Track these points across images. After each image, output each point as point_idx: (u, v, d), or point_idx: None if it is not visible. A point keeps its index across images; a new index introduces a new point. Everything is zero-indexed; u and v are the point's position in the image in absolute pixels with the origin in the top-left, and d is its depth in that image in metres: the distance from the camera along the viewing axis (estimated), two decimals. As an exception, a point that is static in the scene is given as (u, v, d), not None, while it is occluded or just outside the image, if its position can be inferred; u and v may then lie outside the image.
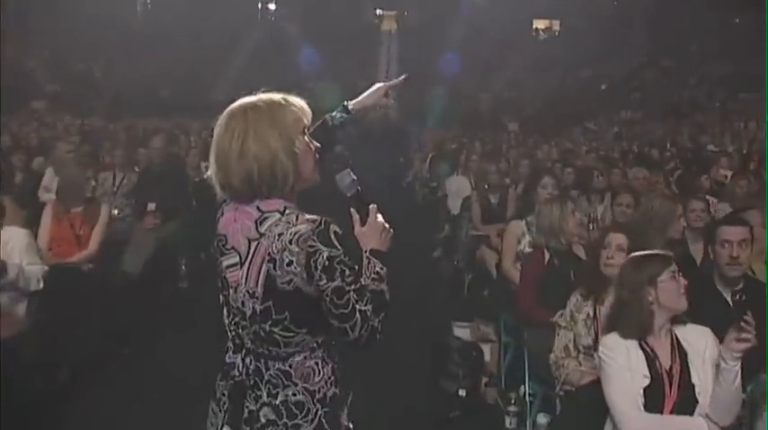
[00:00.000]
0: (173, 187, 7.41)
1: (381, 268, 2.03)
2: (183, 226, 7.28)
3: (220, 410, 2.07)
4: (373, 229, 2.10)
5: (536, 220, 4.56)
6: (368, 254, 2.06)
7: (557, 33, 37.27)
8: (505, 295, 5.12)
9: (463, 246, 7.65)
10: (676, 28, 30.93)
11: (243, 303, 2.00)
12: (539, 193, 5.11)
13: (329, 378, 2.03)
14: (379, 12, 36.10)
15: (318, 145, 2.09)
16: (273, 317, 1.96)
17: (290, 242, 1.89)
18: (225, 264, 2.03)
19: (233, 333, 2.07)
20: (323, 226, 1.90)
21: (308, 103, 2.11)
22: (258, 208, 1.98)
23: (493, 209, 7.40)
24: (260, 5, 35.56)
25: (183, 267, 7.40)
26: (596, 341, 3.42)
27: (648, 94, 29.42)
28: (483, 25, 32.70)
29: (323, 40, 30.73)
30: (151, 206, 6.98)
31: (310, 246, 1.87)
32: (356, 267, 1.94)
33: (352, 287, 1.89)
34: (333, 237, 1.90)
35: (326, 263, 1.87)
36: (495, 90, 31.92)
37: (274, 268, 1.91)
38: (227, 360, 2.09)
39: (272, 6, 35.76)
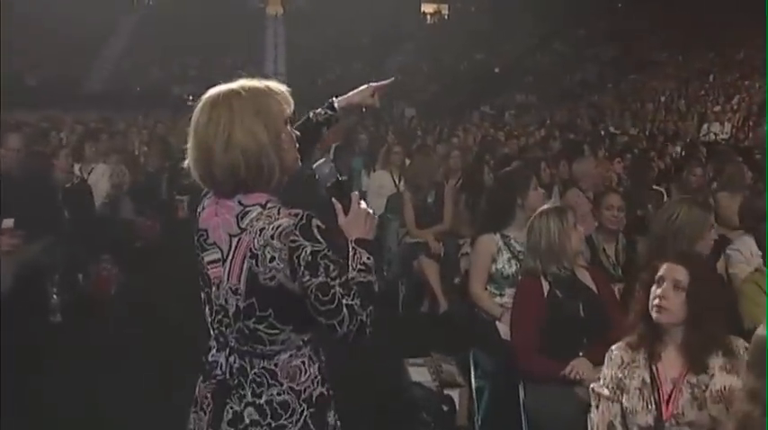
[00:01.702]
0: (37, 197, 5.91)
1: (368, 258, 1.95)
2: (52, 245, 5.83)
3: (205, 413, 2.01)
4: (357, 218, 2.02)
5: (528, 239, 3.47)
6: (353, 244, 1.97)
7: (446, 17, 37.00)
8: (476, 325, 4.08)
9: (394, 255, 6.55)
10: (564, 11, 31.08)
11: (226, 300, 1.95)
12: (530, 198, 4.03)
13: (315, 377, 1.98)
14: (263, -5, 34.60)
15: (298, 133, 2.03)
16: (257, 314, 1.91)
17: (272, 237, 1.85)
18: (206, 259, 1.99)
19: (216, 331, 2.02)
20: (305, 220, 1.85)
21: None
22: (240, 202, 1.94)
23: (429, 209, 6.32)
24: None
25: (55, 296, 5.94)
26: (660, 419, 2.42)
27: (541, 76, 29.38)
28: (370, 10, 31.94)
29: (205, 25, 29.11)
30: (8, 222, 5.47)
31: (293, 241, 1.83)
32: (341, 260, 1.88)
33: (338, 281, 1.83)
34: (315, 231, 1.85)
35: (309, 258, 1.82)
36: (387, 75, 31.17)
37: (256, 264, 1.87)
38: (210, 358, 2.04)
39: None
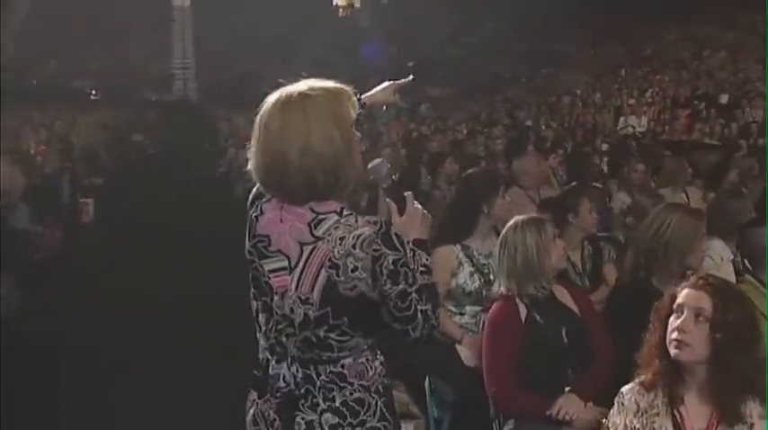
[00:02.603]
0: None
1: (427, 259, 1.98)
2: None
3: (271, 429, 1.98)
4: (413, 218, 2.05)
5: (501, 255, 2.99)
6: (412, 245, 1.97)
7: (358, 10, 36.51)
8: (432, 348, 3.59)
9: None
10: (475, 4, 31.12)
11: (292, 310, 1.91)
12: (496, 205, 3.55)
13: (380, 371, 2.00)
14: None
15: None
16: (330, 322, 1.89)
17: (354, 247, 1.82)
18: (268, 267, 1.93)
19: (273, 340, 1.97)
20: (384, 228, 1.85)
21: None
22: (312, 209, 1.90)
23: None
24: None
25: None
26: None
27: (454, 70, 29.29)
28: (281, 1, 31.14)
29: (107, 14, 27.67)
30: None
31: (375, 250, 1.82)
32: (413, 267, 1.89)
33: (414, 288, 1.84)
34: (395, 239, 1.85)
35: (392, 267, 1.82)
36: (298, 69, 30.57)
37: (337, 274, 1.84)
38: (271, 371, 1.99)
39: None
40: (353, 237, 1.82)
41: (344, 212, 1.89)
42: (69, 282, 6.02)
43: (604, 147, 11.38)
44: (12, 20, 27.71)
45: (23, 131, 10.93)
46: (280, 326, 1.94)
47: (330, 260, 1.84)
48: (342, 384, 1.93)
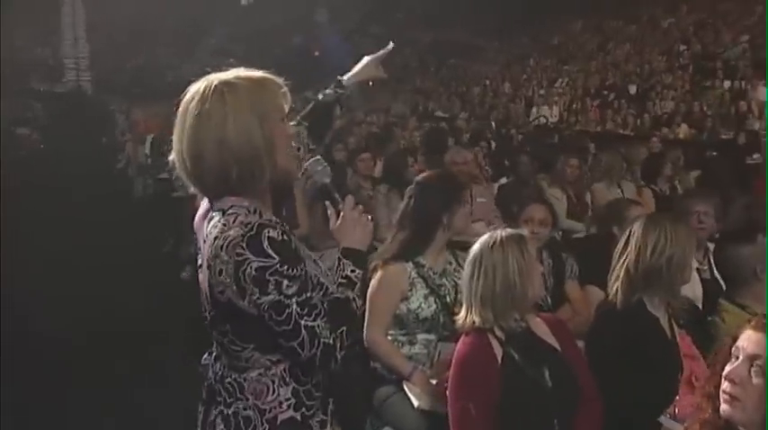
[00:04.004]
0: None
1: (353, 271, 1.84)
2: None
3: (200, 413, 1.94)
4: (349, 224, 1.90)
5: (475, 278, 2.40)
6: (339, 253, 1.88)
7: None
8: (374, 385, 3.04)
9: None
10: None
11: (204, 307, 1.85)
12: (458, 215, 2.98)
13: (287, 400, 1.81)
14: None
15: (292, 133, 1.94)
16: (218, 327, 1.81)
17: (221, 248, 1.69)
18: (199, 263, 1.85)
19: (210, 337, 1.91)
20: (254, 231, 1.68)
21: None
22: (212, 206, 1.80)
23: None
24: None
25: None
26: None
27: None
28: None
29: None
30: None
31: (238, 255, 1.67)
32: (301, 276, 1.71)
33: (295, 299, 1.69)
34: (266, 244, 1.67)
35: (255, 274, 1.67)
36: (198, 60, 29.50)
37: (210, 276, 1.73)
38: (203, 361, 1.96)
39: None
40: (223, 238, 1.68)
41: (230, 211, 1.73)
42: None
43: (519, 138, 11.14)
44: None
45: None
46: (207, 323, 1.86)
47: (207, 261, 1.73)
48: (239, 395, 1.81)
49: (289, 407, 1.80)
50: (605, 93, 16.20)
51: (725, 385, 1.67)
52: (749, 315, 2.79)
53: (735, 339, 1.70)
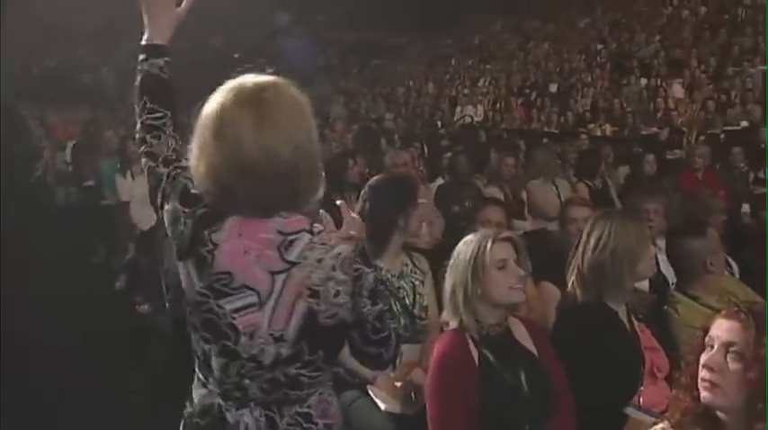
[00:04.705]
0: None
1: None
2: None
3: None
4: (352, 229, 1.73)
5: (459, 277, 2.36)
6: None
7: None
8: (341, 389, 3.01)
9: (176, 280, 5.22)
10: (302, -4, 30.64)
11: (262, 349, 1.65)
12: (413, 217, 2.96)
13: (337, 405, 1.84)
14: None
15: None
16: (305, 358, 1.67)
17: (334, 268, 1.61)
18: (231, 307, 1.65)
19: (231, 385, 1.70)
20: (360, 243, 1.66)
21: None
22: (280, 231, 1.64)
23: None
24: None
25: None
26: None
27: (282, 61, 28.62)
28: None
29: None
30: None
31: (355, 270, 1.63)
32: None
33: (387, 307, 1.70)
34: (369, 254, 1.70)
35: (372, 285, 1.65)
36: (116, 64, 28.72)
37: (317, 303, 1.62)
38: (231, 420, 1.70)
39: None
40: (332, 258, 1.62)
41: (315, 228, 1.67)
42: None
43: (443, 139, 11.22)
44: None
45: None
46: (243, 370, 1.68)
47: (309, 288, 1.62)
48: (306, 425, 1.72)
49: (339, 410, 1.85)
50: (527, 91, 16.51)
51: (703, 373, 1.73)
52: (702, 306, 2.89)
53: (706, 330, 1.77)
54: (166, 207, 1.75)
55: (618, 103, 13.45)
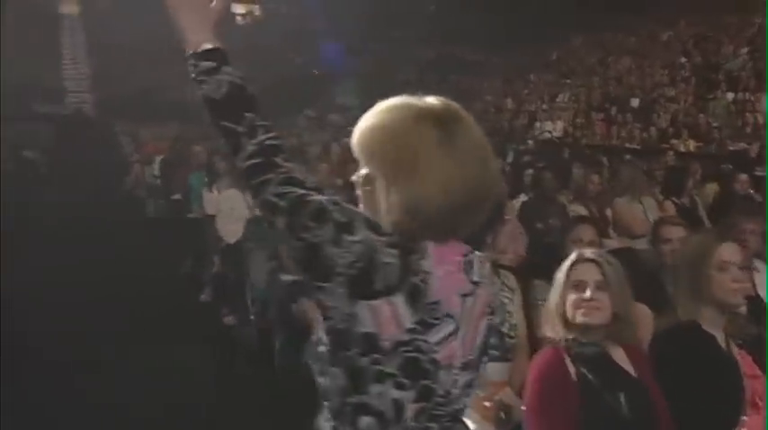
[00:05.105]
0: None
1: None
2: None
3: None
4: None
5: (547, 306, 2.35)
6: None
7: (258, 18, 35.64)
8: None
9: (263, 295, 5.34)
10: (379, 13, 30.98)
11: (455, 381, 1.52)
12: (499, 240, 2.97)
13: None
14: (56, -8, 31.41)
15: None
16: (475, 383, 1.59)
17: (495, 294, 1.68)
18: (434, 339, 1.48)
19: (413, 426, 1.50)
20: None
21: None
22: (462, 253, 1.58)
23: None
24: None
25: None
26: None
27: (361, 78, 28.95)
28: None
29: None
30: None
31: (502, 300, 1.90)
32: None
33: None
34: None
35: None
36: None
37: (493, 319, 1.64)
38: None
39: None
40: (497, 286, 1.65)
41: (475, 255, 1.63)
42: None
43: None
44: None
45: None
46: (436, 412, 1.51)
47: (489, 305, 1.61)
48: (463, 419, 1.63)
49: None
50: (607, 106, 16.25)
51: None
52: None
53: None
54: (350, 238, 1.46)
55: (703, 117, 13.09)
